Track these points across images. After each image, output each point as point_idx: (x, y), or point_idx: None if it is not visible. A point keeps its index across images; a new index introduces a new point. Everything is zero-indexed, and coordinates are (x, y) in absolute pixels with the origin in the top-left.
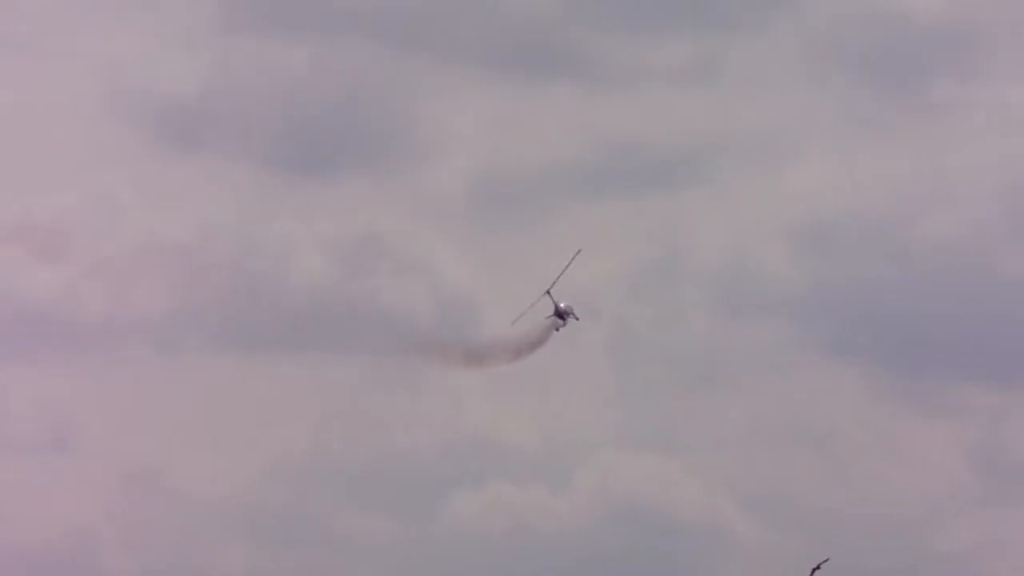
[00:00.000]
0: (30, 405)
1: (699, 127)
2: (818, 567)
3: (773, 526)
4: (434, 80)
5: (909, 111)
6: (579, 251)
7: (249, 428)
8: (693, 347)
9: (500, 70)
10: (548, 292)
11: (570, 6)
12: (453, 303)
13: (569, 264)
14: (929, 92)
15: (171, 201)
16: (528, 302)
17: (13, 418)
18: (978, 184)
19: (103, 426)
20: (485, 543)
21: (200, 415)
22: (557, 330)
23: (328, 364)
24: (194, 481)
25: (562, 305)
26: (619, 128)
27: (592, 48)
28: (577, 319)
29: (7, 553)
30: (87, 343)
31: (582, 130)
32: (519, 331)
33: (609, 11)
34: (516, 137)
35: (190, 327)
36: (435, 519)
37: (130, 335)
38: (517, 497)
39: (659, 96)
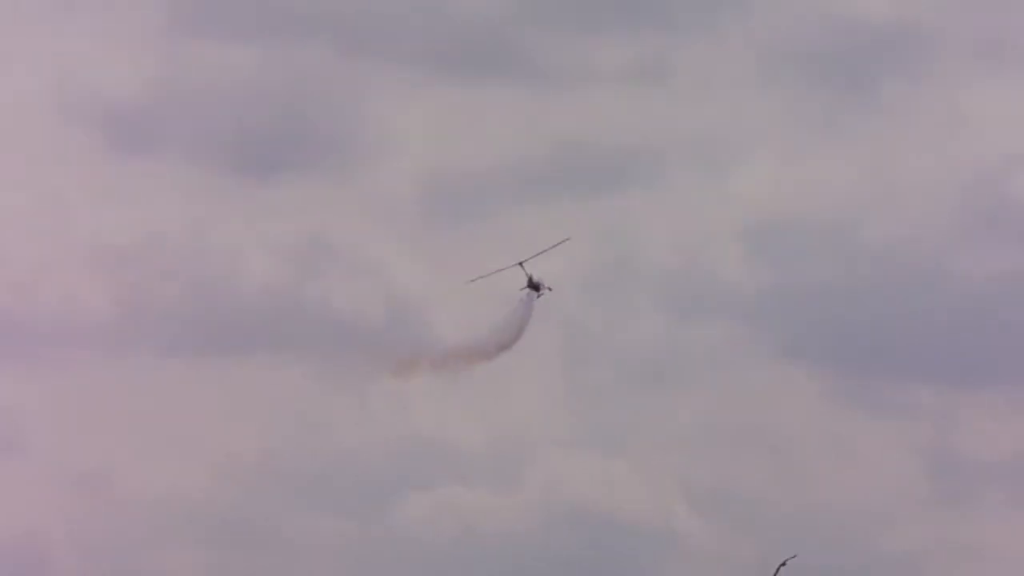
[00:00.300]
0: None
1: (648, 128)
2: (784, 564)
3: (724, 527)
4: (382, 82)
5: (858, 112)
6: (568, 239)
7: (200, 431)
8: (643, 348)
9: (448, 71)
10: (521, 264)
11: (517, 7)
12: (403, 304)
13: (553, 247)
14: (879, 93)
15: (119, 204)
16: (491, 276)
17: None
18: (928, 185)
19: (51, 429)
20: (435, 545)
21: (150, 418)
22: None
23: (279, 367)
24: (144, 484)
25: (535, 277)
26: (567, 129)
27: (540, 49)
28: (550, 290)
29: None
30: (35, 345)
31: (530, 131)
32: (486, 332)
33: (556, 12)
34: (464, 138)
35: (139, 329)
36: (385, 521)
37: (78, 338)
38: (467, 499)
39: (607, 97)
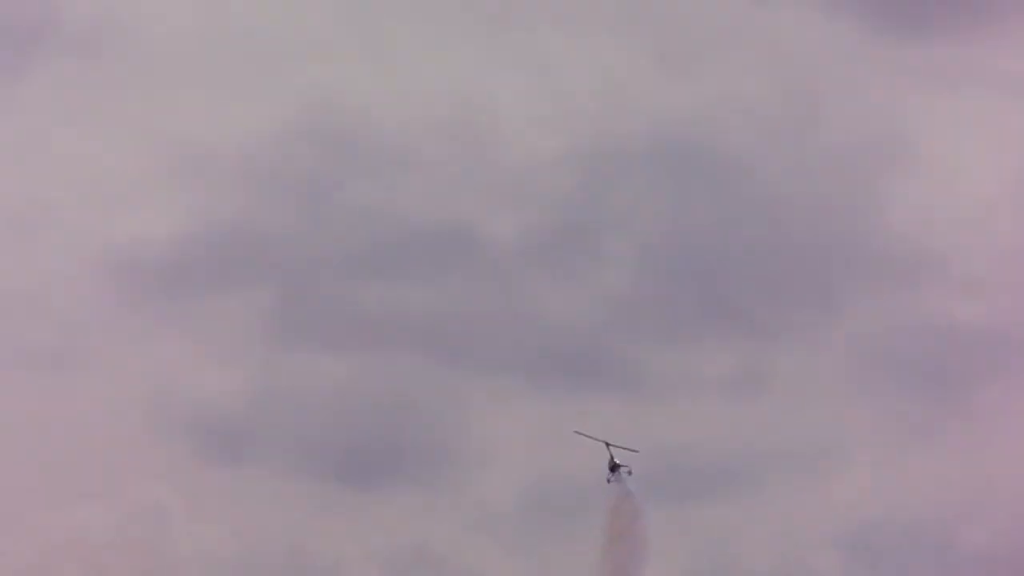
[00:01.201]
0: None
1: (746, 436)
2: None
3: None
4: (479, 391)
5: (955, 418)
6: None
7: None
8: None
9: (546, 380)
10: (608, 445)
11: (614, 316)
12: None
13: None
14: (973, 399)
15: (218, 515)
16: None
17: None
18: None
19: None
20: None
21: None
22: (608, 482)
23: None
24: None
25: (618, 460)
26: (665, 437)
27: (637, 357)
28: (631, 474)
29: None
30: None
31: (628, 438)
32: None
33: (653, 321)
34: (565, 447)
35: None
36: None
37: None
38: None
39: (705, 405)
